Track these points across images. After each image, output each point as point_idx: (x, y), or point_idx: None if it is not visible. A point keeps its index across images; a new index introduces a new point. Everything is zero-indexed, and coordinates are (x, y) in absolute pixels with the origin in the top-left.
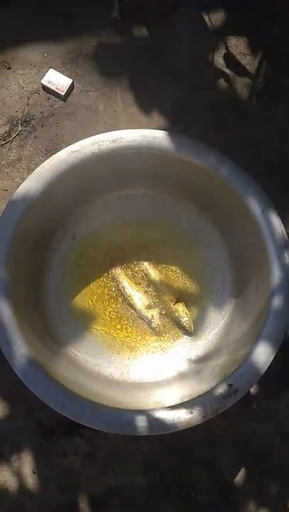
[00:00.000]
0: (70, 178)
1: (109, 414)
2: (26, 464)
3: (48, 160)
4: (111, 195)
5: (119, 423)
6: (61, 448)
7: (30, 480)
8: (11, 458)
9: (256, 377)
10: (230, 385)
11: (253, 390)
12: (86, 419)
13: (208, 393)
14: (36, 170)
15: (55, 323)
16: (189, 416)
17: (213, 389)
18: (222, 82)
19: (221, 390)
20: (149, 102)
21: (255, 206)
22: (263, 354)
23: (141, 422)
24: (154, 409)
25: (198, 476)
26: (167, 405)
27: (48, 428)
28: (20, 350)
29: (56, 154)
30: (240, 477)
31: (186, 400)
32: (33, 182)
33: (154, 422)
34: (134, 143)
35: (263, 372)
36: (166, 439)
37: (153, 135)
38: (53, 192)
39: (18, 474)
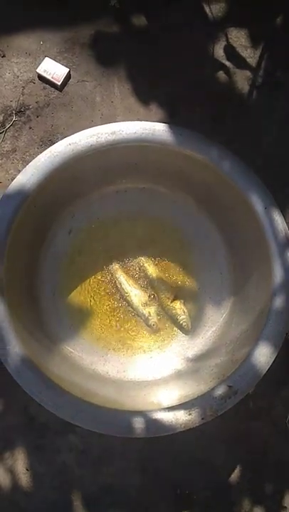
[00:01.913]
0: (66, 171)
1: (105, 416)
2: (20, 461)
3: (44, 152)
4: (109, 188)
5: (115, 425)
6: (55, 445)
7: (24, 477)
8: (4, 455)
9: (256, 379)
10: (229, 387)
11: None
12: (81, 421)
13: (208, 394)
14: (31, 163)
15: (50, 320)
16: (188, 417)
17: (212, 390)
18: (222, 74)
19: (221, 391)
20: (147, 93)
21: (257, 203)
22: (264, 355)
23: (138, 423)
24: (151, 411)
25: (193, 474)
26: (165, 406)
27: (41, 425)
28: (15, 349)
29: (53, 146)
30: (235, 475)
31: (184, 400)
32: (28, 175)
33: (152, 424)
34: (133, 135)
35: (263, 374)
36: (162, 438)
37: (153, 128)
38: (49, 186)
39: (12, 472)
